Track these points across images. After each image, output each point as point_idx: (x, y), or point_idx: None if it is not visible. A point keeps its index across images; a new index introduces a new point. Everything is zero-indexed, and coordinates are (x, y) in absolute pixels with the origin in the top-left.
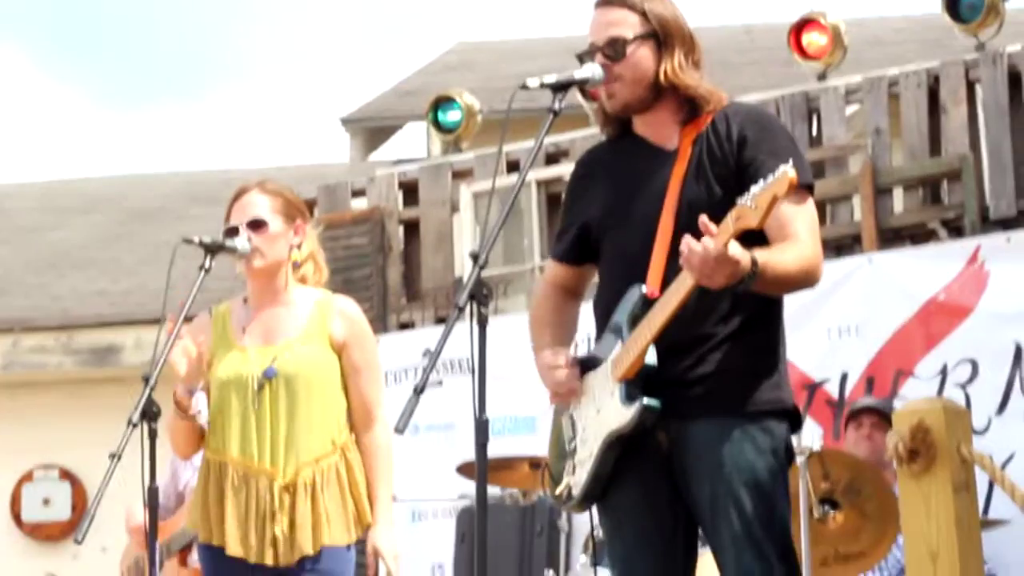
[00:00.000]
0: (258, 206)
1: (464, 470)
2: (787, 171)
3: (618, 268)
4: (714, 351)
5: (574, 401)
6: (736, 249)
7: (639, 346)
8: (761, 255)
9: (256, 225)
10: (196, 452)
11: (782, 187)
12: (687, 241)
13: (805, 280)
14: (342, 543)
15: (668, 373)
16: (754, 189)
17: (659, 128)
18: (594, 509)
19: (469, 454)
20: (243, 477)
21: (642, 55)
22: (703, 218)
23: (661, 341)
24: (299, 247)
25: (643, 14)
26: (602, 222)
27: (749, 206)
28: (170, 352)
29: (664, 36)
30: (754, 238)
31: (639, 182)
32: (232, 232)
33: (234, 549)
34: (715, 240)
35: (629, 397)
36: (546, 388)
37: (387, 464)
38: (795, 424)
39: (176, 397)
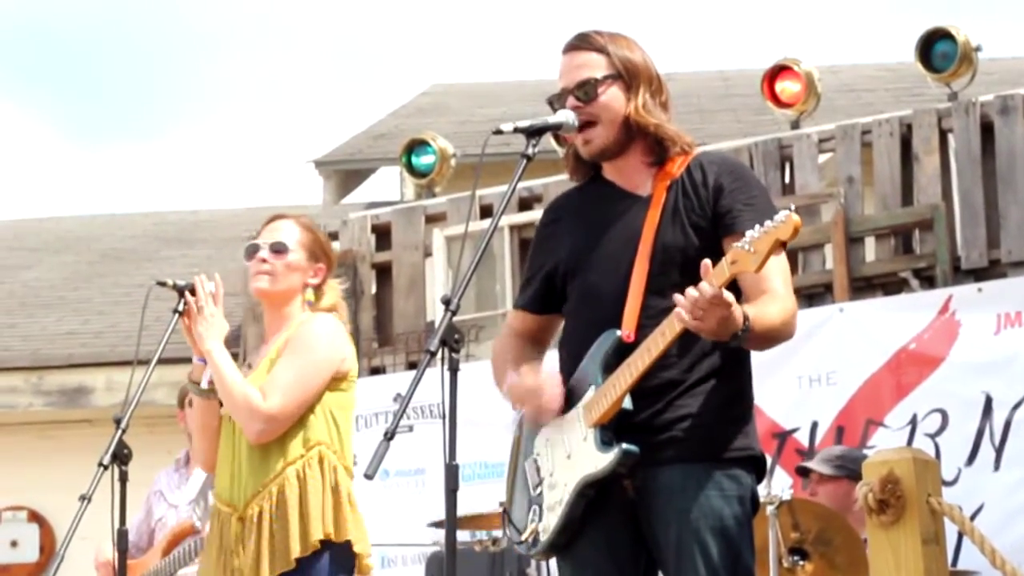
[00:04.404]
0: (285, 233)
1: (437, 525)
2: (791, 215)
3: (588, 311)
4: (682, 397)
5: (542, 438)
6: (730, 295)
7: (617, 391)
8: (751, 310)
9: (277, 249)
10: (215, 459)
11: (787, 231)
12: (688, 293)
13: (785, 335)
14: (287, 567)
15: (635, 419)
16: (751, 234)
17: (630, 174)
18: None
19: (439, 500)
20: (218, 513)
21: (612, 95)
22: (706, 262)
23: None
24: (317, 288)
25: (609, 56)
26: (570, 265)
27: (747, 250)
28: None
29: (630, 77)
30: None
31: (611, 226)
32: (252, 249)
33: None
34: (710, 282)
35: (605, 442)
36: (527, 406)
37: (239, 376)
38: (761, 473)
39: (191, 371)
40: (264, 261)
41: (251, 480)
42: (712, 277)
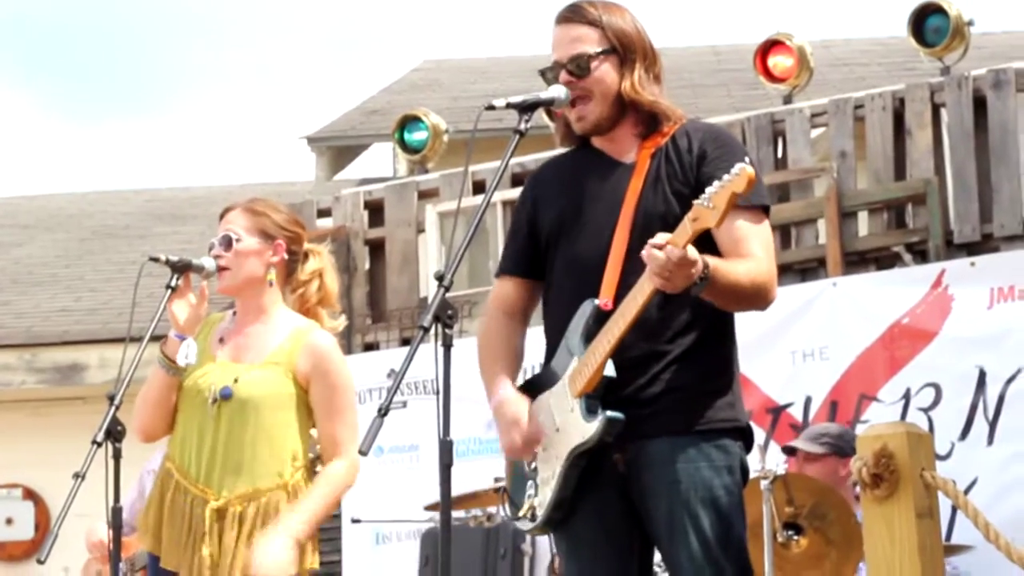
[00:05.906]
0: (233, 224)
1: (433, 508)
2: (745, 168)
3: (571, 280)
4: (667, 369)
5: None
6: (693, 251)
7: (597, 359)
8: (713, 261)
9: (225, 242)
10: (161, 432)
11: (740, 184)
12: (649, 249)
13: (756, 297)
14: None
15: (622, 392)
16: (710, 190)
17: (618, 142)
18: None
19: (434, 476)
20: (183, 491)
21: (605, 70)
22: (658, 237)
23: (616, 357)
24: (289, 263)
25: (603, 29)
26: (554, 231)
27: (707, 206)
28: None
29: (624, 51)
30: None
31: (594, 193)
32: (209, 248)
33: (167, 562)
34: (674, 243)
35: (590, 411)
36: (503, 441)
37: (325, 488)
38: (749, 443)
39: (164, 343)
40: (219, 256)
41: (238, 478)
42: (676, 236)
